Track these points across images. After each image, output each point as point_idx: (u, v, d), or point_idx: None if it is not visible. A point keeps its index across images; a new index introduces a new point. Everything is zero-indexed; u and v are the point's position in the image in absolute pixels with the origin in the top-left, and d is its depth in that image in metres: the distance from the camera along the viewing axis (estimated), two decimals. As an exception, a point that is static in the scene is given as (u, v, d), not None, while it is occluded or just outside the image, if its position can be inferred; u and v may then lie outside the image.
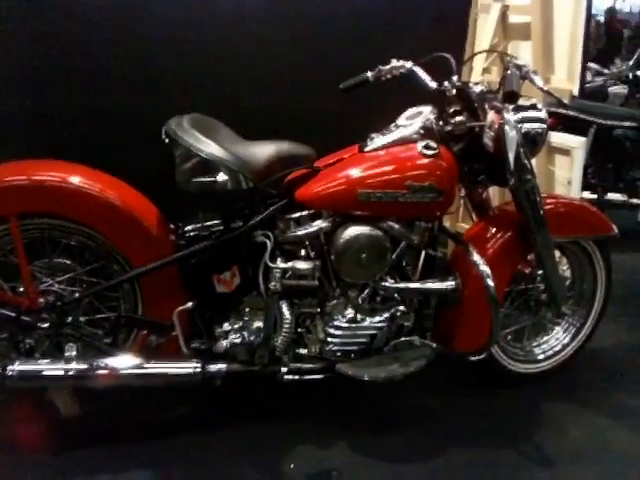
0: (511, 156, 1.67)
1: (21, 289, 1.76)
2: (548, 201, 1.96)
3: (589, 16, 2.48)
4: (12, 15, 1.90)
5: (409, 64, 1.88)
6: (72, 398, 1.77)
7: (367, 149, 1.82)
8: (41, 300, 1.74)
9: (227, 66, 2.12)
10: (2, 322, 1.77)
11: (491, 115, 1.75)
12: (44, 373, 1.65)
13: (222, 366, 1.76)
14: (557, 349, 2.18)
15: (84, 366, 1.66)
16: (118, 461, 1.73)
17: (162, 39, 2.04)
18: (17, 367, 1.63)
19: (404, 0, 2.26)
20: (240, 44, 2.11)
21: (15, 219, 1.66)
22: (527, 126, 1.75)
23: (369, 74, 1.89)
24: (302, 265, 1.76)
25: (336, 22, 2.19)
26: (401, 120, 1.87)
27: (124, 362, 1.70)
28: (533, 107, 1.79)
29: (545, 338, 2.20)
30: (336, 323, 1.84)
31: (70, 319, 1.76)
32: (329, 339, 1.84)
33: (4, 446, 1.75)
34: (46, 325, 1.75)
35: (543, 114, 1.79)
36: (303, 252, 1.81)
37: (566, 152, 2.45)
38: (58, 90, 2.01)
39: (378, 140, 1.83)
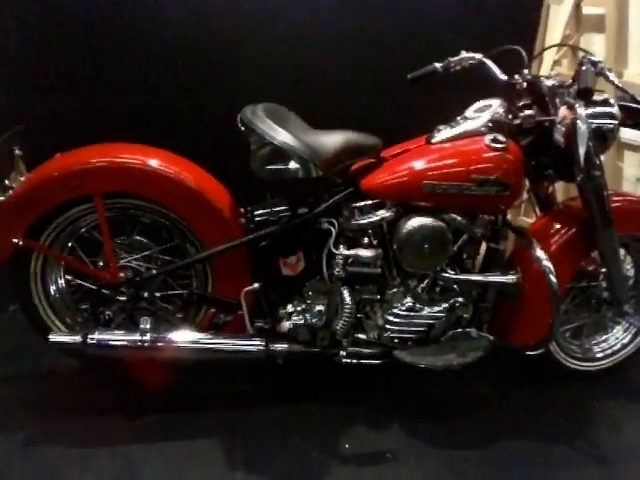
0: (582, 152, 1.64)
1: (101, 264, 1.88)
2: (615, 198, 1.92)
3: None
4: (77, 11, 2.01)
5: (479, 56, 1.86)
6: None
7: (434, 140, 1.83)
8: (121, 275, 1.84)
9: (299, 57, 2.17)
10: (84, 294, 1.90)
11: (563, 110, 1.73)
12: (121, 343, 1.76)
13: (284, 346, 1.83)
14: (616, 348, 2.15)
15: (157, 338, 1.76)
16: (185, 428, 1.83)
17: (235, 31, 2.11)
18: (97, 336, 1.74)
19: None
20: (313, 36, 2.16)
21: (99, 198, 1.76)
22: (598, 122, 1.72)
23: (437, 65, 1.89)
24: (365, 253, 1.80)
25: (405, 15, 2.20)
26: (469, 112, 1.87)
27: (193, 336, 1.80)
28: (605, 102, 1.76)
29: (605, 337, 2.17)
30: (395, 311, 1.87)
31: (146, 294, 1.87)
32: (387, 326, 1.88)
33: (82, 410, 1.88)
34: (124, 298, 1.87)
35: (615, 110, 1.75)
36: (366, 240, 1.83)
37: (636, 149, 2.38)
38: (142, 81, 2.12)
39: (445, 132, 1.83)
